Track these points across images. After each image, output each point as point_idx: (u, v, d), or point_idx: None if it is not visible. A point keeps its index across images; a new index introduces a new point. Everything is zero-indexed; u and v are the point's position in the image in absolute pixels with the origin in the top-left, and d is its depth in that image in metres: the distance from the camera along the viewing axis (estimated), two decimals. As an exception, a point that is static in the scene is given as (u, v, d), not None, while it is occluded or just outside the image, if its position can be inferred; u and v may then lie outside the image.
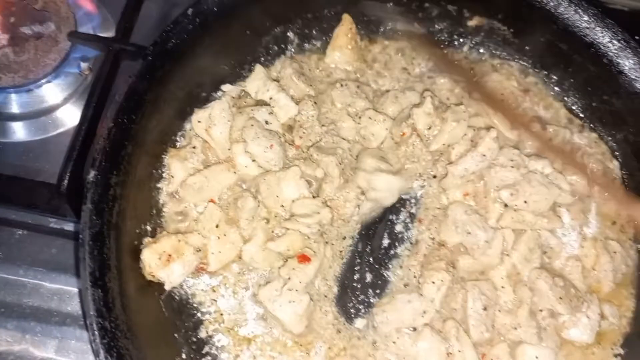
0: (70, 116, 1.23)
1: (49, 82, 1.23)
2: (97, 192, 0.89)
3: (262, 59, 1.19)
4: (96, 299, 0.84)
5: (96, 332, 0.83)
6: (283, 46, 1.21)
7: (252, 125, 1.03)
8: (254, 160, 1.03)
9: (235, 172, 1.04)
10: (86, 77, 1.26)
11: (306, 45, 1.22)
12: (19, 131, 1.21)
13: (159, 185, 1.04)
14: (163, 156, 1.05)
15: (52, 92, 1.24)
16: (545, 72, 1.21)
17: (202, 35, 1.04)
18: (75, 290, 1.09)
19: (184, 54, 1.02)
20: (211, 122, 1.04)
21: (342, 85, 1.14)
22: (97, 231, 0.88)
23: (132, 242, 0.97)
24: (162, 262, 0.95)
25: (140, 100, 0.96)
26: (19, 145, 1.20)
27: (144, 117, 0.96)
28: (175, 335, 0.99)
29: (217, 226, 0.99)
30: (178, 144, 1.08)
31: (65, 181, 1.02)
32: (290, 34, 1.20)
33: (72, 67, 1.25)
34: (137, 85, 0.95)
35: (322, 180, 1.06)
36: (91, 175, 0.90)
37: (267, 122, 1.06)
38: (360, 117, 1.13)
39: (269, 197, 1.02)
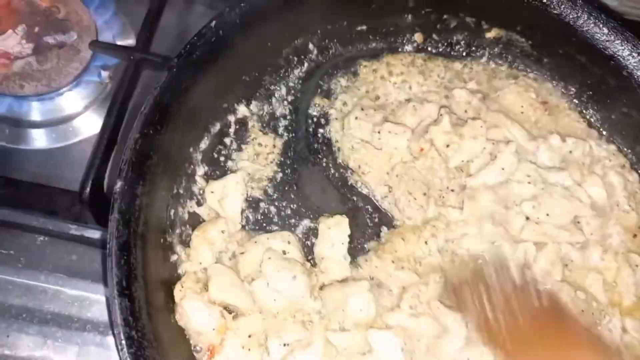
0: (90, 124, 1.25)
1: (70, 90, 1.25)
2: (124, 203, 0.90)
3: (282, 70, 1.20)
4: (123, 309, 0.85)
5: (123, 342, 0.84)
6: (303, 57, 1.22)
7: (269, 258, 0.99)
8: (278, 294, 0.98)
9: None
10: (106, 85, 1.27)
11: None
12: (40, 139, 1.23)
13: (181, 200, 1.05)
14: (186, 166, 1.07)
15: (73, 100, 1.26)
16: (564, 84, 1.21)
17: (225, 47, 1.05)
18: (96, 297, 1.10)
19: (207, 65, 1.03)
20: (224, 194, 1.06)
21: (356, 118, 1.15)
22: (124, 241, 0.88)
23: (158, 253, 0.98)
24: None
25: (166, 112, 0.97)
26: (40, 153, 1.22)
27: (169, 128, 0.97)
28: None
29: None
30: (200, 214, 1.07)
31: (88, 189, 1.03)
32: (310, 46, 1.22)
33: (93, 76, 1.27)
34: (163, 97, 0.96)
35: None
36: (118, 185, 0.91)
37: (284, 252, 1.02)
38: (379, 132, 1.13)
39: (334, 311, 0.98)
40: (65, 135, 1.23)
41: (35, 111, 1.24)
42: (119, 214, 0.90)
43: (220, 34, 1.03)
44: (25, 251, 1.11)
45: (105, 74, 1.27)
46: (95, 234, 1.11)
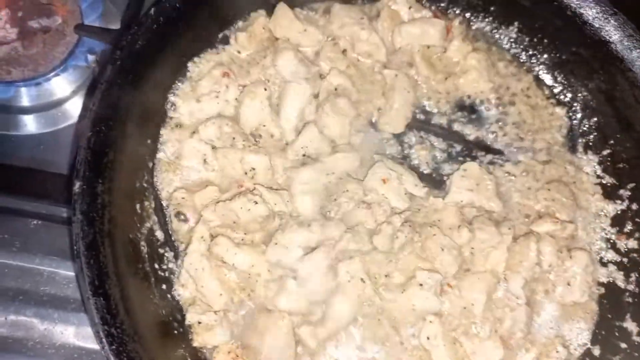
0: (79, 109, 1.25)
1: (57, 75, 1.25)
2: (85, 202, 0.89)
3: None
4: (99, 307, 0.86)
5: (104, 339, 0.85)
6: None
7: None
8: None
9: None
10: (94, 69, 1.26)
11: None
12: (30, 124, 1.23)
13: (146, 193, 1.05)
14: (146, 159, 1.06)
15: (60, 85, 1.26)
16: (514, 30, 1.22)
17: (166, 33, 1.03)
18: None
19: (152, 55, 1.01)
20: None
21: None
22: (90, 240, 0.88)
23: (127, 248, 0.98)
24: None
25: (116, 106, 0.95)
26: (31, 138, 1.22)
27: (122, 123, 0.96)
28: (175, 332, 1.01)
29: None
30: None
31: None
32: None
33: (80, 60, 1.26)
34: (110, 91, 0.95)
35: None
36: (76, 186, 0.90)
37: None
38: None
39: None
40: (54, 120, 1.24)
41: (24, 97, 1.24)
42: (82, 215, 0.89)
43: (160, 20, 1.01)
44: (19, 235, 1.12)
45: (92, 58, 1.26)
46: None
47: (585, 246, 1.11)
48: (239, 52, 1.16)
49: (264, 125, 1.10)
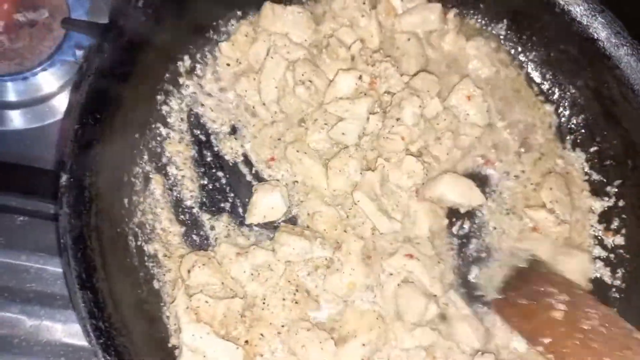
0: (66, 104, 1.22)
1: (44, 70, 1.22)
2: (72, 195, 0.88)
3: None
4: (86, 301, 0.85)
5: (91, 334, 0.84)
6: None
7: None
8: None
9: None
10: (81, 65, 1.23)
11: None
12: (17, 119, 1.21)
13: (135, 188, 1.04)
14: (134, 153, 1.05)
15: (48, 80, 1.23)
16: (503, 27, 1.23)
17: (157, 20, 1.02)
18: (77, 274, 1.08)
19: (142, 45, 1.00)
20: None
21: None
22: (77, 234, 0.87)
23: (117, 242, 0.97)
24: None
25: (104, 98, 0.94)
26: (17, 134, 1.20)
27: (110, 115, 0.95)
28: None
29: None
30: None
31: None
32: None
33: (67, 55, 1.24)
34: (98, 83, 0.93)
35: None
36: (63, 179, 0.88)
37: None
38: None
39: None
40: (41, 115, 1.22)
41: (10, 91, 1.22)
42: (69, 208, 0.88)
43: (149, 11, 1.00)
44: (5, 231, 1.11)
45: (80, 53, 1.24)
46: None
47: (578, 245, 1.12)
48: (228, 64, 1.16)
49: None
